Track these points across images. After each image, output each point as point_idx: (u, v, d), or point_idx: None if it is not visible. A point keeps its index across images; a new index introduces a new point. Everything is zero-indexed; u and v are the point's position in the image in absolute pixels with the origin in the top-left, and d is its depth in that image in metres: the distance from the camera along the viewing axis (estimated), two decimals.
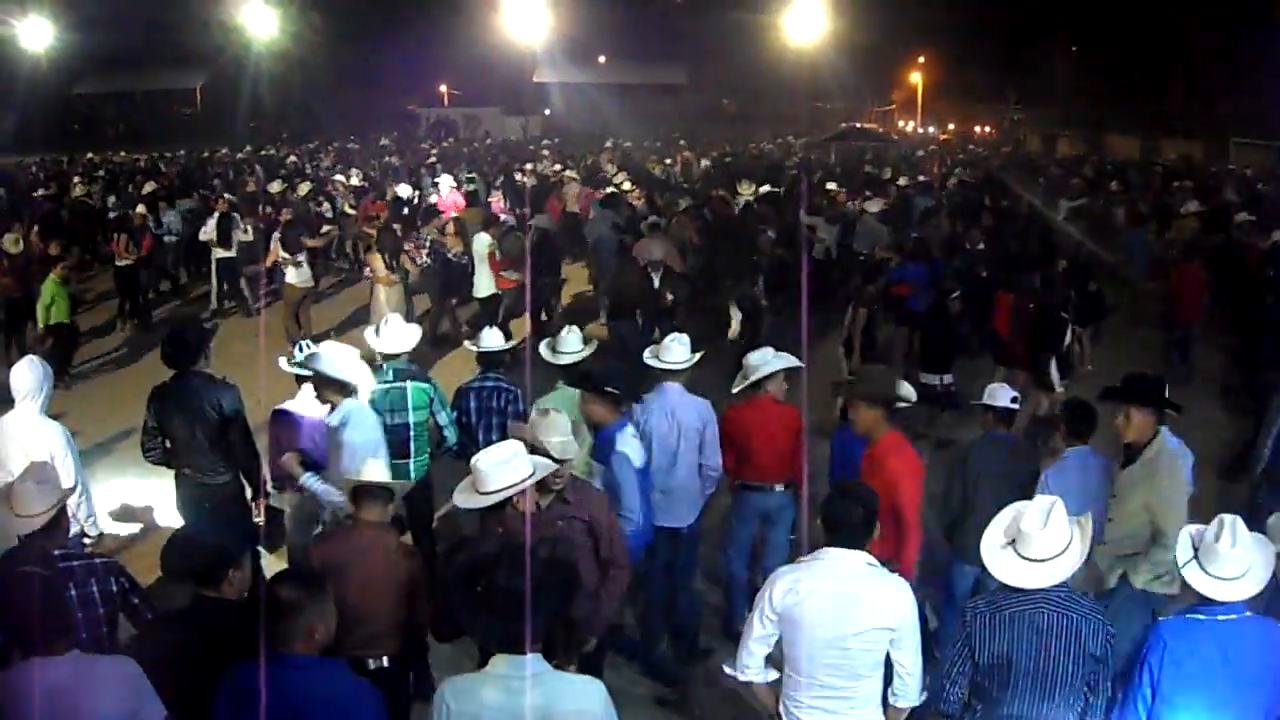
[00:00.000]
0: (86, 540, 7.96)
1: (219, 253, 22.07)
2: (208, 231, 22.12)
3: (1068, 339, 13.88)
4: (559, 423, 6.72)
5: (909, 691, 5.46)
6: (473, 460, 6.18)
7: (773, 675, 5.62)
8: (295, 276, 18.57)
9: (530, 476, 6.10)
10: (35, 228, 22.70)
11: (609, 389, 7.83)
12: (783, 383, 9.02)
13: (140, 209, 23.44)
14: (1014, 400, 8.68)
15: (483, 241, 17.84)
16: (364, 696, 4.78)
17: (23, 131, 67.91)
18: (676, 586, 8.74)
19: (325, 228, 23.06)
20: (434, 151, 49.11)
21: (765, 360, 8.88)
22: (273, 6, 61.31)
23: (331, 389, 8.19)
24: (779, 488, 8.86)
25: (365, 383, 8.64)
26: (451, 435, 9.59)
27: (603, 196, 23.84)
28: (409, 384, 9.48)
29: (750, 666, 5.59)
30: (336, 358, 8.38)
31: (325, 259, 25.31)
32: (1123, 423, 7.49)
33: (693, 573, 8.98)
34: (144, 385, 9.17)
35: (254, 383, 9.43)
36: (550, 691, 4.42)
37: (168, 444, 8.74)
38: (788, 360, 9.00)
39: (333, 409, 8.17)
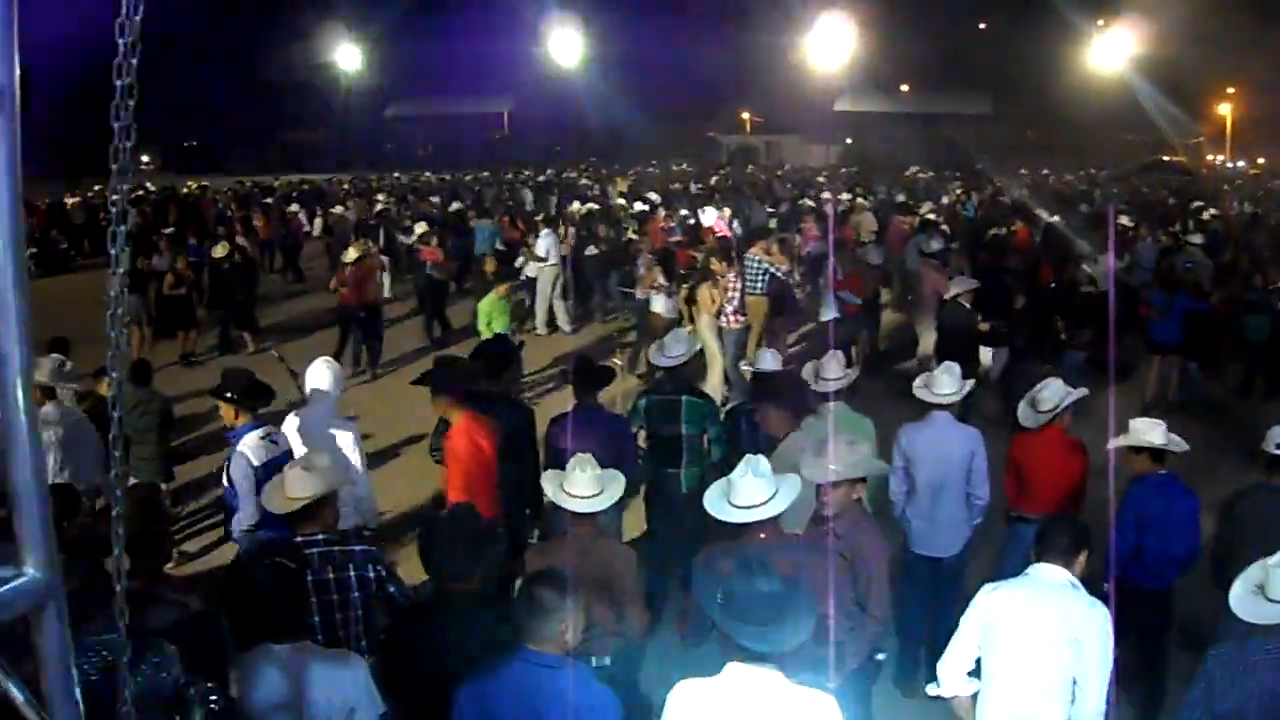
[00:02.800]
0: (366, 533, 8.27)
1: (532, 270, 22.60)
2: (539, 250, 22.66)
3: None
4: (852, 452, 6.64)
5: (1085, 712, 5.40)
6: (733, 474, 6.18)
7: (974, 686, 5.67)
8: (662, 306, 18.00)
9: (776, 507, 6.07)
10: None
11: (229, 395, 8.47)
12: (1071, 416, 8.86)
13: (420, 227, 24.63)
14: None
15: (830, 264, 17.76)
16: (605, 701, 4.82)
17: (338, 151, 71.12)
18: (937, 617, 8.59)
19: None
20: (721, 172, 49.61)
21: (1058, 393, 8.70)
22: (579, 34, 62.65)
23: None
24: None
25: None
26: (717, 451, 9.67)
27: (919, 223, 23.92)
28: (684, 398, 9.67)
29: (949, 679, 5.73)
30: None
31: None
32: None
33: (955, 604, 8.80)
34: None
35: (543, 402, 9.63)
36: (780, 702, 4.41)
37: None
38: (1079, 394, 8.83)
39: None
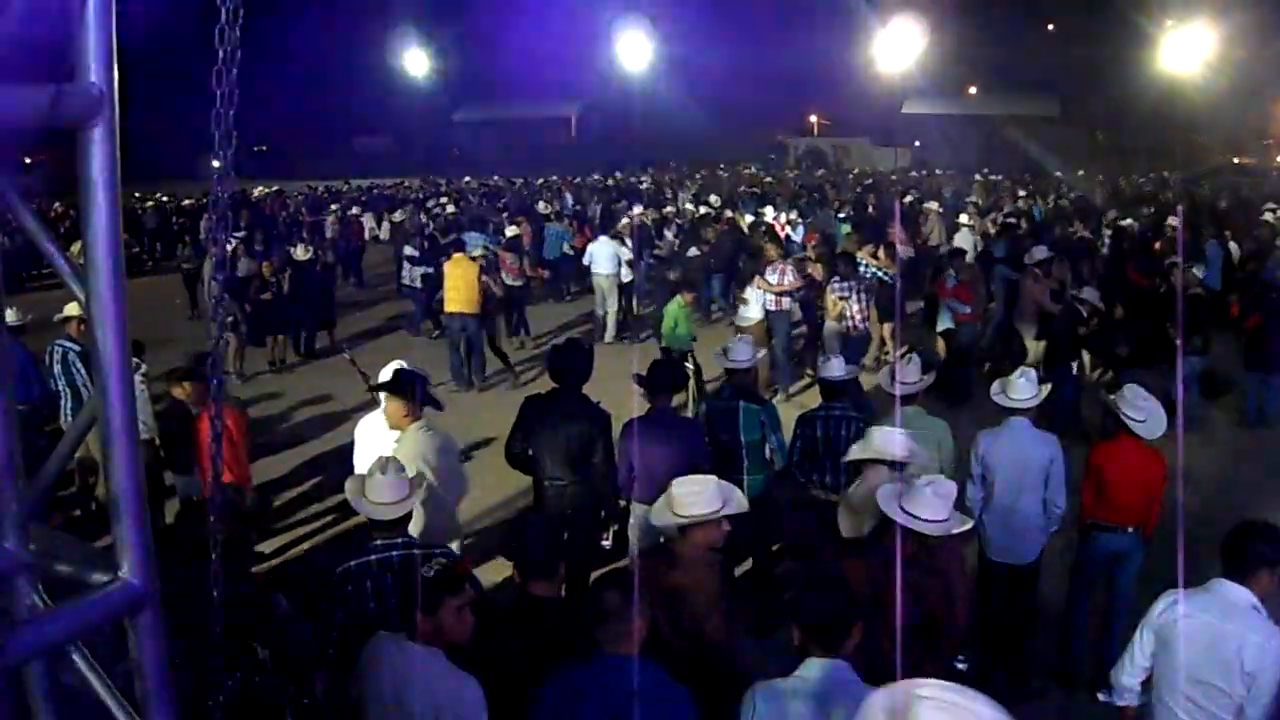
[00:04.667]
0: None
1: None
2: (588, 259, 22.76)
3: None
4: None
5: None
6: (920, 480, 6.10)
7: (1146, 697, 5.61)
8: (745, 313, 17.62)
9: (953, 524, 6.00)
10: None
11: None
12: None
13: (510, 230, 24.37)
14: None
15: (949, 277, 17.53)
16: (682, 699, 4.82)
17: (406, 155, 71.64)
18: (1015, 624, 8.54)
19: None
20: (791, 175, 49.43)
21: (1147, 407, 8.59)
22: (646, 37, 62.72)
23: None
24: (1130, 530, 8.52)
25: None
26: (779, 459, 9.68)
27: (1000, 228, 24.13)
28: (740, 404, 9.65)
29: (1127, 688, 5.64)
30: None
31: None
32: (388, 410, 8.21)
33: (1032, 611, 8.76)
34: (514, 395, 9.58)
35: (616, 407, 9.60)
36: (855, 699, 4.43)
37: (531, 453, 9.00)
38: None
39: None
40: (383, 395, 8.40)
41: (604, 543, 9.17)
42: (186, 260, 26.28)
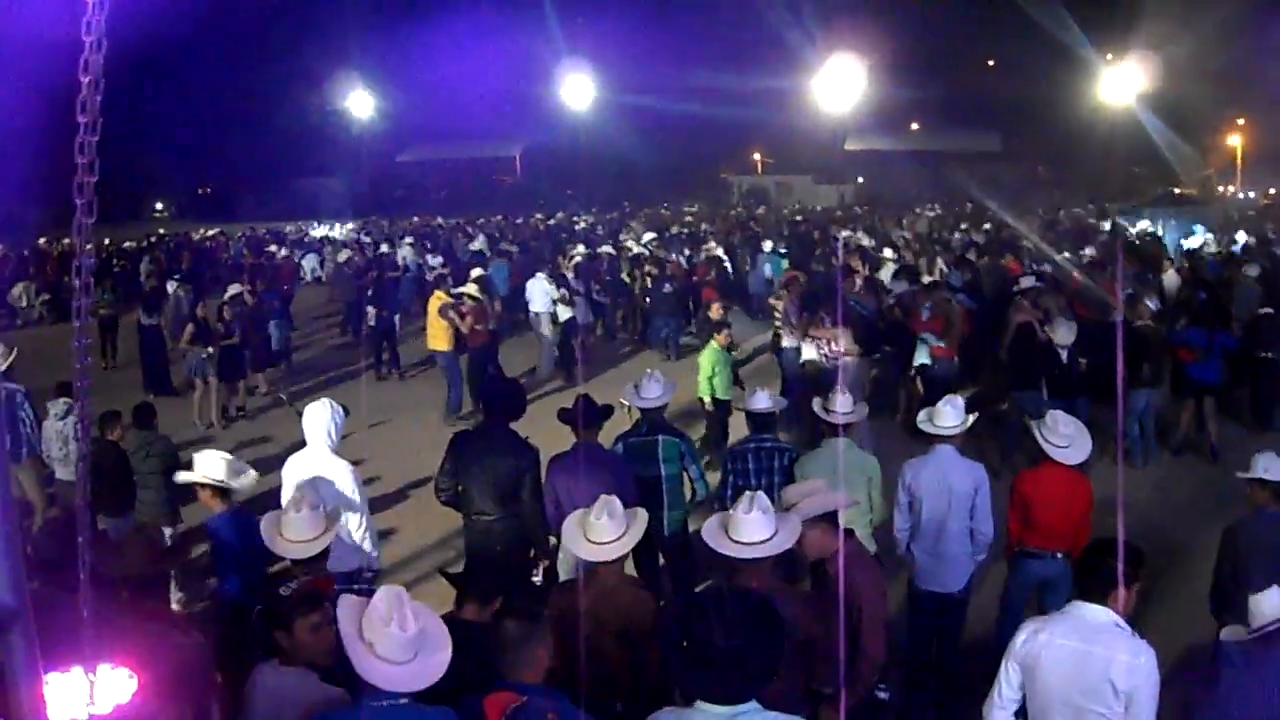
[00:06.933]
0: (368, 574, 8.28)
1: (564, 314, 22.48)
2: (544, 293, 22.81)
3: None
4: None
5: None
6: (739, 504, 6.05)
7: None
8: (814, 352, 16.70)
9: (776, 546, 5.95)
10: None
11: None
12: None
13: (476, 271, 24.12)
14: None
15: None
16: None
17: (351, 197, 71.46)
18: (943, 652, 8.58)
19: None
20: (733, 213, 49.63)
21: (1069, 434, 8.65)
22: (590, 77, 62.79)
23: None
24: (1058, 555, 8.59)
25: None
26: (701, 489, 9.81)
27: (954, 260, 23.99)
28: (660, 437, 9.76)
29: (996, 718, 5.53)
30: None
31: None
32: None
33: (959, 639, 8.79)
34: (444, 434, 9.57)
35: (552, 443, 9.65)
36: None
37: (460, 489, 9.02)
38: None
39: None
40: None
41: (535, 579, 9.13)
42: (103, 305, 25.33)
